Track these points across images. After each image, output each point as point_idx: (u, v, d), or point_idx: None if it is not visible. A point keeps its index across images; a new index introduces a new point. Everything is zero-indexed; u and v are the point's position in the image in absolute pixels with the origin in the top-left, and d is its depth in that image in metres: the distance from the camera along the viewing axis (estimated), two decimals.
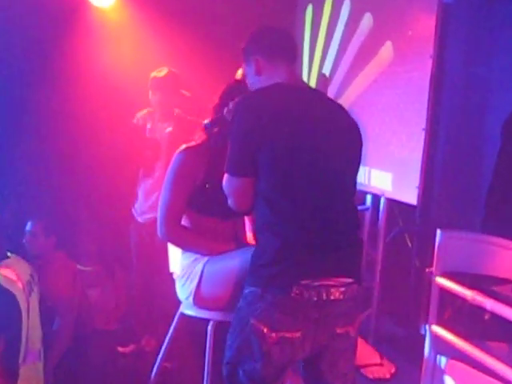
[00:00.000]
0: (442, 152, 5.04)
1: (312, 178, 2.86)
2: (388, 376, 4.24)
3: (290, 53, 3.13)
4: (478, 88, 4.88)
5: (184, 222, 3.68)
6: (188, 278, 3.62)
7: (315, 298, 2.81)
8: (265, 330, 2.81)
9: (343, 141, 2.99)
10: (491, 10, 4.88)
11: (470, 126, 4.88)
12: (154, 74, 5.13)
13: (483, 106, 4.82)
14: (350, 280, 2.89)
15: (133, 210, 5.18)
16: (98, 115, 5.61)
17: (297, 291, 2.79)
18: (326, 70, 5.44)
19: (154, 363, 4.09)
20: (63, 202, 5.58)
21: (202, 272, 3.55)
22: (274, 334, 2.81)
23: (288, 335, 2.83)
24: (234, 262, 3.51)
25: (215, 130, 3.60)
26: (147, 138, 5.09)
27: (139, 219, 5.09)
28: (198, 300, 3.59)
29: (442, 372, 3.57)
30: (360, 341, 3.42)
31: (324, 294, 2.83)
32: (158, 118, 5.15)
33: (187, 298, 3.63)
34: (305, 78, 5.72)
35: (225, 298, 3.53)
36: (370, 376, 4.18)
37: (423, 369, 3.68)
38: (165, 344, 3.92)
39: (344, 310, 2.91)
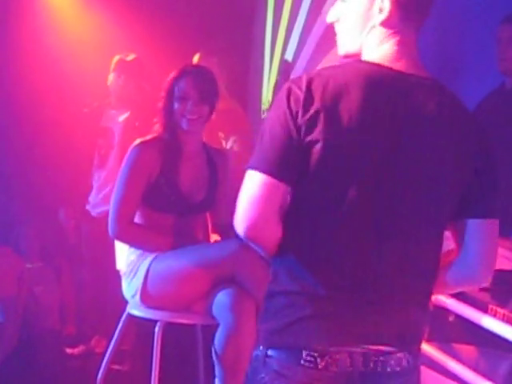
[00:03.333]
0: None
1: (370, 195, 1.97)
2: None
3: (422, 18, 2.08)
4: (451, 72, 4.75)
5: (138, 219, 3.54)
6: (135, 274, 3.46)
7: (335, 369, 1.95)
8: None
9: (436, 147, 2.01)
10: None
11: None
12: (120, 56, 4.96)
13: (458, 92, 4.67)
14: (391, 348, 1.99)
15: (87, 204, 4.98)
16: (48, 103, 5.39)
17: (308, 358, 1.95)
18: (289, 56, 5.25)
19: (106, 365, 3.89)
20: (3, 194, 5.37)
21: (149, 268, 3.42)
22: None
23: None
24: (182, 260, 3.39)
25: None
26: (100, 127, 4.90)
27: (92, 212, 4.88)
28: (145, 298, 3.44)
29: None
30: None
31: (348, 364, 1.96)
32: (114, 104, 4.95)
33: (133, 297, 3.48)
34: (266, 64, 5.54)
35: (172, 297, 3.41)
36: None
37: None
38: (111, 346, 3.73)
39: None
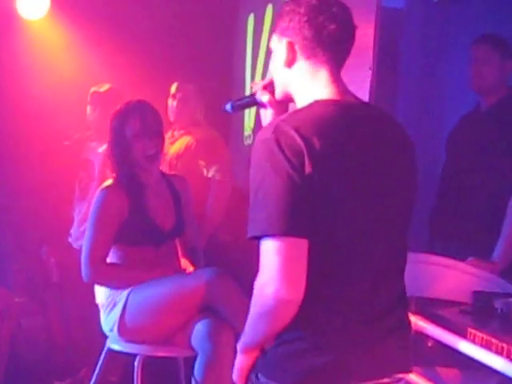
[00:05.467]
0: None
1: (376, 239, 2.11)
2: None
3: (344, 48, 2.16)
4: (433, 95, 4.76)
5: (115, 257, 3.55)
6: (112, 308, 3.46)
7: None
8: None
9: (404, 184, 2.21)
10: (445, 13, 4.77)
11: (425, 139, 4.72)
12: (94, 88, 4.99)
13: (438, 116, 4.69)
14: (406, 374, 2.23)
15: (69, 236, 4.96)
16: (29, 136, 5.35)
17: None
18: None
19: None
20: None
21: (126, 301, 3.41)
22: None
23: None
24: (160, 289, 3.40)
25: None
26: (81, 159, 4.90)
27: (74, 245, 4.87)
28: (123, 331, 3.46)
29: None
30: None
31: None
32: (93, 136, 4.95)
33: (111, 330, 3.50)
34: (247, 90, 5.53)
35: (151, 330, 3.41)
36: None
37: None
38: (92, 381, 3.71)
39: None
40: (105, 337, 3.78)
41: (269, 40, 5.16)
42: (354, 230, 2.07)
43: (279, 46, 2.21)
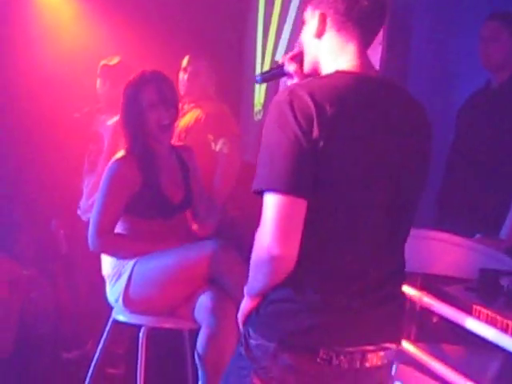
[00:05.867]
0: None
1: (376, 210, 2.15)
2: None
3: (374, 26, 2.23)
4: (443, 72, 4.73)
5: (124, 228, 3.54)
6: (117, 279, 3.46)
7: (346, 366, 2.15)
8: None
9: (418, 155, 2.25)
10: None
11: (435, 117, 4.69)
12: (104, 61, 4.98)
13: (449, 94, 4.66)
14: (393, 345, 2.27)
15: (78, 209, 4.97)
16: (39, 108, 5.36)
17: (325, 356, 2.11)
18: (280, 57, 5.18)
19: (94, 370, 3.90)
20: (1, 201, 5.37)
21: (131, 272, 3.42)
22: None
23: None
24: (165, 260, 3.39)
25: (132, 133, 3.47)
26: (90, 132, 4.89)
27: (83, 217, 4.87)
28: (128, 302, 3.45)
29: (392, 378, 3.37)
30: None
31: (358, 362, 2.17)
32: (103, 109, 4.94)
33: (116, 301, 3.50)
34: (258, 66, 5.52)
35: (155, 301, 3.41)
36: None
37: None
38: (97, 352, 3.73)
39: (379, 379, 2.28)
40: (111, 309, 3.80)
41: (280, 16, 5.22)
42: (355, 199, 2.11)
43: (312, 18, 2.25)
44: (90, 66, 5.09)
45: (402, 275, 2.36)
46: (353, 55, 2.20)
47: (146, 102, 3.54)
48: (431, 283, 3.30)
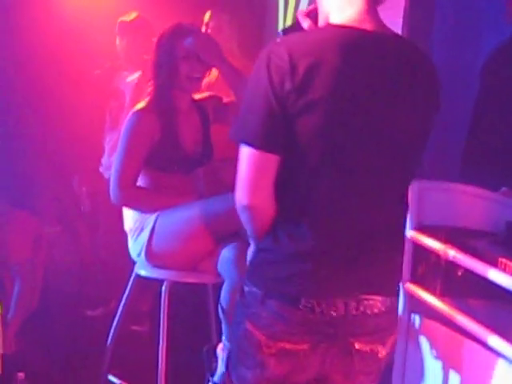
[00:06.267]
0: None
1: (360, 156, 2.18)
2: None
3: None
4: (468, 31, 4.65)
5: (144, 182, 3.52)
6: (140, 232, 3.44)
7: (334, 313, 2.24)
8: (261, 339, 2.25)
9: (413, 111, 2.24)
10: None
11: (460, 71, 4.63)
12: (122, 18, 4.95)
13: (474, 50, 4.58)
14: (382, 297, 2.33)
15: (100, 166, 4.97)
16: (58, 65, 5.32)
17: (307, 304, 2.21)
18: (303, 6, 5.11)
19: (117, 327, 3.91)
20: (19, 158, 5.35)
21: (154, 226, 3.40)
22: (272, 344, 2.25)
23: (290, 347, 2.25)
24: (188, 213, 3.36)
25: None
26: (111, 88, 4.87)
27: (105, 174, 4.87)
28: (150, 256, 3.43)
29: (417, 332, 3.35)
30: None
31: (343, 309, 2.25)
32: (123, 66, 4.91)
33: (139, 255, 3.48)
34: (280, 22, 5.45)
35: (178, 255, 3.38)
36: None
37: (397, 329, 3.46)
38: (120, 307, 3.73)
39: (372, 326, 2.33)
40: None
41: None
42: (331, 153, 2.15)
43: None
44: (110, 21, 5.04)
45: (398, 231, 2.45)
46: (357, 10, 2.19)
47: (181, 54, 3.50)
48: (456, 236, 3.27)
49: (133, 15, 4.94)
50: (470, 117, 4.20)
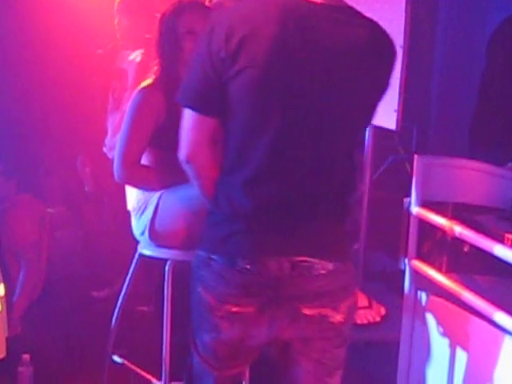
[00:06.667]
0: (438, 73, 4.78)
1: (292, 120, 2.24)
2: (378, 319, 4.02)
3: None
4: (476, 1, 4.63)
5: (148, 160, 3.49)
6: (143, 211, 3.41)
7: (266, 275, 2.30)
8: (211, 302, 2.36)
9: (351, 72, 2.26)
10: None
11: (468, 43, 4.60)
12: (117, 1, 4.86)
13: (482, 22, 4.55)
14: (320, 261, 2.32)
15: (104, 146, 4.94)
16: (61, 47, 5.31)
17: (242, 264, 2.29)
18: None
19: (121, 307, 3.89)
20: (23, 141, 5.35)
21: (157, 204, 3.35)
22: (220, 307, 2.34)
23: (236, 309, 2.33)
24: (193, 191, 3.29)
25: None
26: (114, 68, 4.83)
27: (109, 155, 4.84)
28: (154, 235, 3.39)
29: (423, 309, 3.33)
30: None
31: (277, 270, 2.29)
32: (125, 45, 4.87)
33: (142, 234, 3.44)
34: None
35: (183, 233, 3.33)
36: (359, 321, 3.95)
37: (403, 306, 3.44)
38: (124, 288, 3.70)
39: (314, 288, 2.34)
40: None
41: None
42: (267, 117, 2.23)
43: None
44: (110, 1, 4.99)
45: (337, 199, 2.38)
46: None
47: (184, 30, 3.45)
48: (462, 212, 3.25)
49: None
50: (476, 92, 4.17)
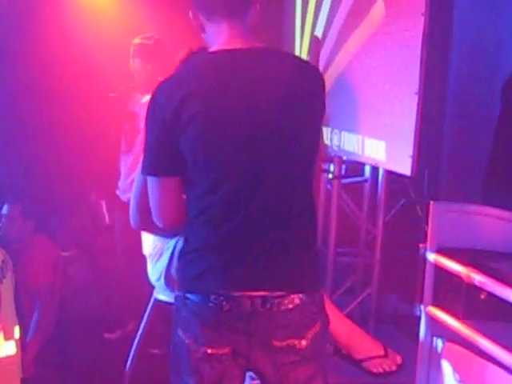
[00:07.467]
0: (450, 117, 4.79)
1: (236, 168, 2.36)
2: (394, 368, 3.96)
3: (232, 3, 2.47)
4: (487, 47, 4.63)
5: None
6: (159, 257, 3.41)
7: (237, 310, 2.37)
8: (189, 343, 2.41)
9: (288, 113, 2.37)
10: None
11: (480, 88, 4.62)
12: (136, 40, 4.91)
13: (494, 67, 4.56)
14: (283, 292, 2.39)
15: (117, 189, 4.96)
16: (74, 89, 5.41)
17: (215, 301, 2.37)
18: (319, 32, 5.12)
19: (136, 350, 3.89)
20: (40, 183, 5.39)
21: (175, 248, 3.35)
22: (197, 348, 2.39)
23: (212, 351, 2.39)
24: None
25: None
26: (126, 111, 4.86)
27: (122, 197, 4.86)
28: (170, 281, 3.38)
29: (439, 356, 3.32)
30: (360, 332, 3.25)
31: (248, 306, 2.38)
32: (138, 88, 4.90)
33: (158, 279, 3.45)
34: (297, 42, 5.45)
35: None
36: (374, 370, 3.89)
37: (419, 353, 3.43)
38: (139, 332, 3.70)
39: (282, 322, 2.41)
40: (152, 288, 3.78)
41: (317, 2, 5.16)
42: (212, 170, 2.36)
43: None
44: (125, 44, 5.01)
45: (299, 230, 2.45)
46: (226, 36, 2.43)
47: None
48: (479, 259, 3.24)
49: (147, 37, 4.91)
50: (487, 137, 4.18)
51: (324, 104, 2.49)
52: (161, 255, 3.42)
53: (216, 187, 2.36)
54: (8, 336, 3.71)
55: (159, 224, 2.52)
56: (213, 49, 2.44)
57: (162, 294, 3.49)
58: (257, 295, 2.37)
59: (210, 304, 2.37)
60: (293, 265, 2.44)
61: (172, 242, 3.38)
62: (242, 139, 2.35)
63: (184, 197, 2.46)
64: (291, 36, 5.62)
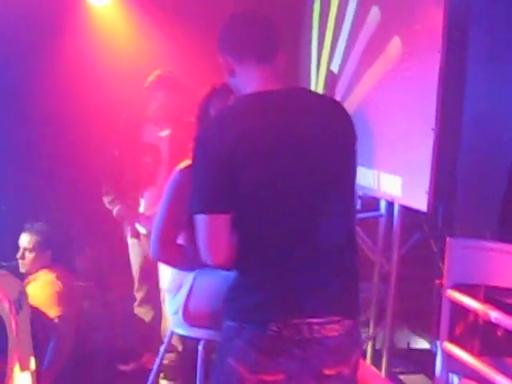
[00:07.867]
0: (465, 153, 4.80)
1: (291, 203, 2.45)
2: None
3: (261, 48, 2.58)
4: (502, 85, 4.66)
5: (184, 240, 3.49)
6: (177, 291, 3.42)
7: (297, 337, 2.44)
8: (242, 372, 2.45)
9: (332, 148, 2.50)
10: None
11: (495, 125, 4.63)
12: (156, 72, 4.92)
13: (509, 103, 4.59)
14: (338, 318, 2.49)
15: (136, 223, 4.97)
16: (92, 121, 5.44)
17: (275, 328, 2.42)
18: (335, 67, 5.17)
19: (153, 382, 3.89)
20: (57, 215, 5.40)
21: (193, 283, 3.36)
22: (252, 377, 2.44)
23: (268, 378, 2.45)
24: (226, 276, 3.33)
25: None
26: (145, 144, 4.88)
27: (142, 230, 4.87)
28: (188, 316, 3.38)
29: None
30: (374, 373, 3.23)
31: (307, 332, 2.45)
32: (154, 120, 4.92)
33: (175, 314, 3.43)
34: (313, 77, 5.49)
35: (215, 315, 3.32)
36: None
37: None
38: (156, 365, 3.71)
39: (333, 348, 2.50)
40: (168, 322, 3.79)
41: (335, 24, 5.20)
42: (269, 204, 2.43)
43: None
44: (140, 79, 5.05)
45: (348, 254, 2.56)
46: (258, 79, 2.53)
47: (215, 113, 3.52)
48: (495, 296, 3.25)
49: (164, 72, 4.90)
50: (501, 174, 4.20)
51: (355, 132, 2.59)
52: (179, 289, 3.42)
53: (273, 221, 2.44)
54: (24, 367, 3.72)
55: (209, 262, 2.52)
56: (249, 91, 2.53)
57: (179, 328, 3.49)
58: (315, 322, 2.45)
59: (270, 332, 2.43)
60: (345, 291, 2.54)
61: (191, 275, 3.39)
62: (297, 176, 2.43)
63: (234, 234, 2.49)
64: (307, 71, 5.67)
